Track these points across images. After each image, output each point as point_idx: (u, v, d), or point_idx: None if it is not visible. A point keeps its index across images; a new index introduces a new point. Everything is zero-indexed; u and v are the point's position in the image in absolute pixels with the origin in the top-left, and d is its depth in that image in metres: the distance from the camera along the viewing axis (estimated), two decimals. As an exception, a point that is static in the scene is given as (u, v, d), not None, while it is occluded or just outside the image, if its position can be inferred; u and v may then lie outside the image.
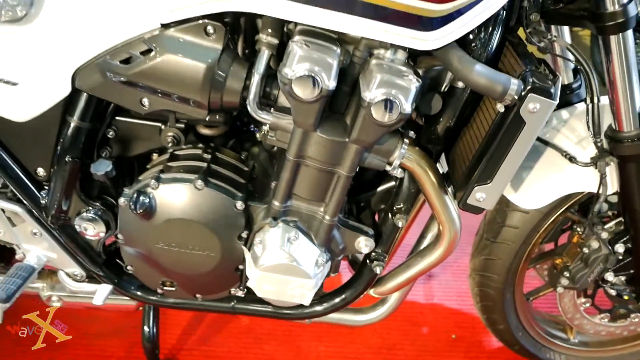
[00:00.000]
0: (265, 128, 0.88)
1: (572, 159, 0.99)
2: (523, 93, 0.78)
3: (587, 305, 1.23)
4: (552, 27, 1.05)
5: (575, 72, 1.14)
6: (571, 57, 0.90)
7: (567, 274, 1.12)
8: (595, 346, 1.36)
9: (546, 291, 1.26)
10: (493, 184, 0.86)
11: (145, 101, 0.87)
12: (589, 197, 1.08)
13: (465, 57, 0.80)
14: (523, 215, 1.10)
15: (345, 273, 1.19)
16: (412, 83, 0.77)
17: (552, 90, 0.78)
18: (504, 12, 0.85)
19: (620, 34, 0.85)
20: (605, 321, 1.25)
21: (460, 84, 0.88)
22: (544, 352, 1.31)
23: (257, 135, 1.01)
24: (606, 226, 1.10)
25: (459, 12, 0.77)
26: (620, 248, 1.09)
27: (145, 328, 1.28)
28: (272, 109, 0.86)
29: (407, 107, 0.78)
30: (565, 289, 1.16)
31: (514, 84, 0.78)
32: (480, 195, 0.87)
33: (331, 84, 0.77)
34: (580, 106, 1.10)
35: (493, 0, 0.78)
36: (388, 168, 0.89)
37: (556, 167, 1.02)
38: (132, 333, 1.37)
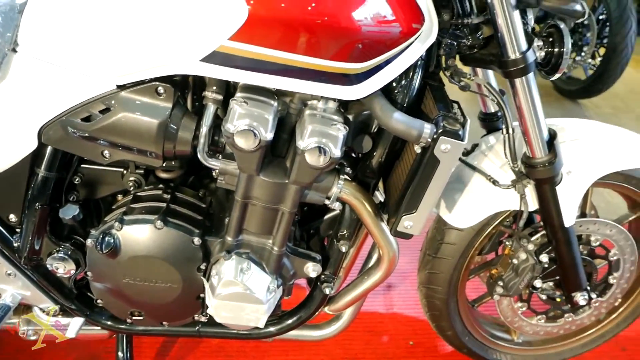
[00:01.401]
0: (215, 172, 0.99)
1: (495, 182, 1.12)
2: (435, 136, 0.90)
3: (524, 309, 1.35)
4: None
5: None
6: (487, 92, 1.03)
7: (501, 283, 1.24)
8: (538, 345, 1.48)
9: (488, 298, 1.38)
10: (418, 213, 0.98)
11: (106, 153, 0.97)
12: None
13: (386, 106, 0.91)
14: (458, 233, 1.21)
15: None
16: (340, 131, 0.89)
17: (460, 133, 0.90)
18: (422, 61, 0.97)
19: (523, 77, 0.97)
20: (542, 322, 1.38)
21: (387, 125, 0.99)
22: (490, 353, 1.43)
23: (214, 173, 1.11)
24: (533, 238, 1.22)
25: (378, 67, 0.88)
26: (544, 258, 1.22)
27: (120, 353, 1.37)
28: (221, 155, 0.96)
29: (337, 152, 0.89)
30: (501, 297, 1.28)
31: (427, 128, 0.90)
32: (408, 224, 0.99)
33: (268, 135, 0.87)
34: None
35: (409, 54, 0.90)
36: (327, 202, 1.00)
37: (483, 190, 1.15)
38: (107, 359, 1.45)
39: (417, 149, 0.92)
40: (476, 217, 1.15)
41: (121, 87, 0.92)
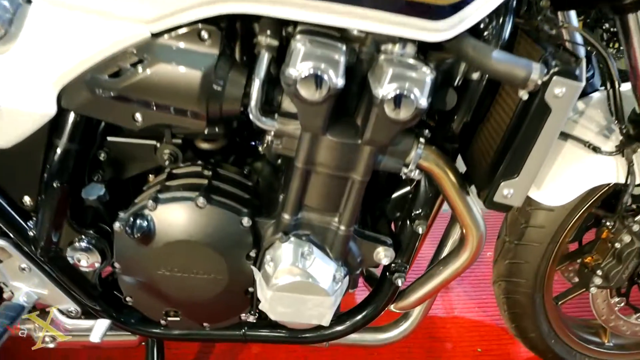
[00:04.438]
0: (269, 138, 0.82)
1: (596, 149, 0.94)
2: (547, 77, 0.72)
3: (622, 304, 1.15)
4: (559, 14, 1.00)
5: (587, 61, 1.09)
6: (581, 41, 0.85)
7: (599, 272, 1.05)
8: (633, 349, 1.27)
9: (575, 294, 1.18)
10: (520, 178, 0.80)
11: (138, 116, 0.81)
12: (612, 192, 1.03)
13: (480, 45, 0.74)
14: (548, 214, 1.03)
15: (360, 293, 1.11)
16: (427, 75, 0.72)
17: (577, 72, 0.72)
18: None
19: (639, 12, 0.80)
20: (642, 321, 1.18)
21: (475, 76, 0.82)
22: (579, 359, 1.23)
23: (260, 148, 0.95)
24: (637, 218, 1.03)
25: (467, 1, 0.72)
26: (654, 241, 1.02)
27: (150, 366, 1.19)
28: (276, 115, 0.80)
29: (423, 101, 0.72)
30: (598, 289, 1.09)
31: (536, 68, 0.72)
32: (508, 192, 0.81)
33: (339, 81, 0.71)
34: (596, 95, 1.05)
35: (504, -16, 0.73)
36: (405, 170, 0.83)
37: (580, 159, 0.96)
38: (136, 372, 1.27)
39: (523, 95, 0.74)
40: (572, 193, 0.97)
41: (156, 35, 0.76)
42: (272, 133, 0.80)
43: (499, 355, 1.36)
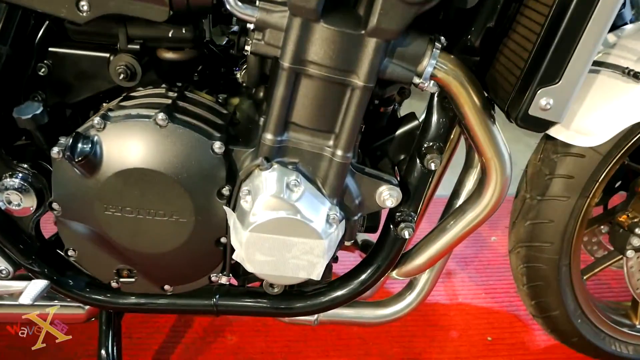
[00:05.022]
0: (251, 44, 0.66)
1: (637, 75, 0.79)
2: (599, -55, 0.58)
3: (660, 275, 1.00)
4: None
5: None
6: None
7: (638, 231, 0.89)
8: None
9: (605, 264, 1.02)
10: (562, 84, 0.64)
11: (84, 4, 0.65)
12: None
13: None
14: (577, 161, 0.88)
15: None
16: None
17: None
18: None
19: None
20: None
21: (502, -33, 0.68)
22: (608, 343, 1.05)
23: (238, 75, 0.79)
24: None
25: None
26: (703, 192, 0.88)
27: (103, 353, 0.99)
28: (258, 1, 0.64)
29: None
30: (636, 252, 0.93)
31: None
32: (546, 102, 0.65)
33: None
34: (628, 27, 0.92)
35: None
36: (417, 80, 0.67)
37: (617, 90, 0.81)
38: (88, 364, 1.07)
39: (568, -29, 0.60)
40: (610, 130, 0.81)
41: None
42: (253, 27, 0.64)
43: (512, 344, 1.18)
